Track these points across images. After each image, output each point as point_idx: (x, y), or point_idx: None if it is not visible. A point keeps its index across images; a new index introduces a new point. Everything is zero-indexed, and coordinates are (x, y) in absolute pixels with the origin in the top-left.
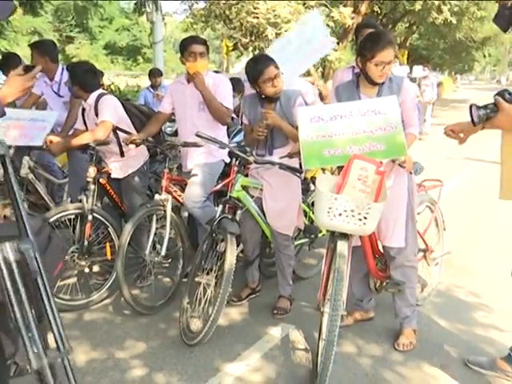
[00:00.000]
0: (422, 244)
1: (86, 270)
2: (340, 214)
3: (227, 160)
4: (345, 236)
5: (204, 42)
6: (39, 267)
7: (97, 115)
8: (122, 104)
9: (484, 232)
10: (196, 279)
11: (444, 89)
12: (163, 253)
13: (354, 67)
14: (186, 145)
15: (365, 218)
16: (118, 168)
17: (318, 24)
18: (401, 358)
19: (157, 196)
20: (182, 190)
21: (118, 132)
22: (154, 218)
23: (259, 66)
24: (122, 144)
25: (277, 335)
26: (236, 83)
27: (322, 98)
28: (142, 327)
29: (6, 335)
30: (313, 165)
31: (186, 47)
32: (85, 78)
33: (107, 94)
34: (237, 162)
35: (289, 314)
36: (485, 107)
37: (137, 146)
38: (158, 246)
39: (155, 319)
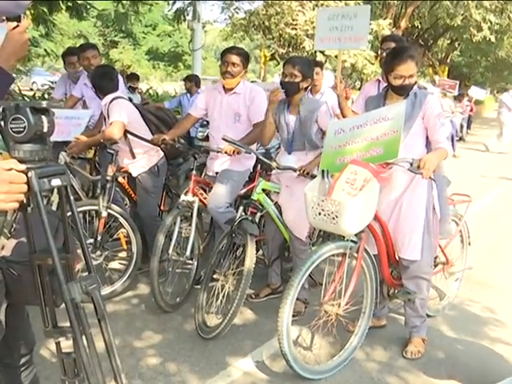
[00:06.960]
0: (442, 257)
1: (102, 263)
2: (319, 214)
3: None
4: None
5: (239, 53)
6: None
7: (109, 117)
8: (138, 109)
9: (509, 251)
10: (214, 276)
11: (485, 107)
12: (188, 253)
13: (379, 80)
14: (220, 151)
15: (336, 216)
16: (131, 168)
17: (365, 18)
18: (408, 365)
19: (184, 197)
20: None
21: (128, 135)
22: (179, 218)
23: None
24: (132, 146)
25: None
26: None
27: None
28: (160, 320)
29: None
30: None
31: (222, 56)
32: (100, 81)
33: (121, 98)
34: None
35: (303, 317)
36: None
37: (166, 146)
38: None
39: (174, 313)
